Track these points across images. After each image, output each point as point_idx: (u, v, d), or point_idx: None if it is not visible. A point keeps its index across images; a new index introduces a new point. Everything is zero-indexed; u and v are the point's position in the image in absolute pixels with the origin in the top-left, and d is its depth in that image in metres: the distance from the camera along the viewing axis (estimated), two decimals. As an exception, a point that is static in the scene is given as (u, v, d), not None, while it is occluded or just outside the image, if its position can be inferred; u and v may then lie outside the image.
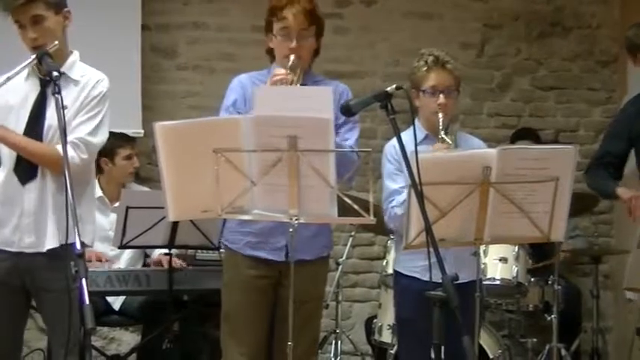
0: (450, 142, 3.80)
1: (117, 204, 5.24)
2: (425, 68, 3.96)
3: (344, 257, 5.84)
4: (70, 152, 3.48)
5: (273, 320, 3.94)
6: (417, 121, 4.00)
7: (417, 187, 3.14)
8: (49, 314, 3.75)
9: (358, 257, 6.69)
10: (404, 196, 3.69)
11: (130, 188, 5.61)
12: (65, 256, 3.34)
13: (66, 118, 3.33)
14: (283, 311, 3.85)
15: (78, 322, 2.98)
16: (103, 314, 5.40)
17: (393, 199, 3.87)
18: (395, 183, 3.88)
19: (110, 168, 5.54)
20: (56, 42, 3.66)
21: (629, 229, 5.08)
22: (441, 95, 3.91)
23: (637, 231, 4.59)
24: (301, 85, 3.75)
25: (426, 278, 3.25)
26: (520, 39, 6.84)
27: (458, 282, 3.11)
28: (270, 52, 3.95)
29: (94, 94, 3.73)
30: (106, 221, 5.41)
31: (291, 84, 3.67)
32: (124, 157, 5.58)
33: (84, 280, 2.87)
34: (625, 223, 5.96)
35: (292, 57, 3.79)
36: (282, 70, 3.74)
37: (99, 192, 5.48)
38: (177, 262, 5.15)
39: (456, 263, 3.78)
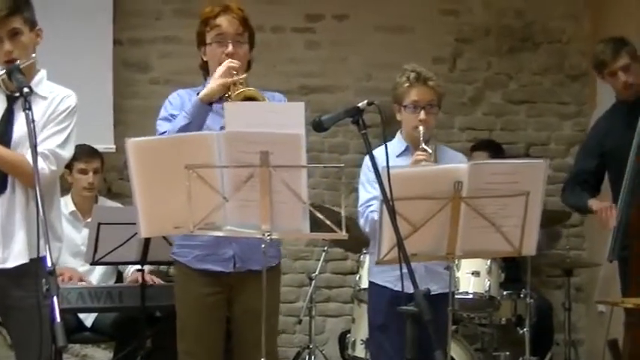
0: (430, 151, 3.85)
1: (89, 219, 5.21)
2: (407, 84, 4.01)
3: (317, 272, 5.84)
4: (40, 163, 3.44)
5: (228, 336, 3.95)
6: (399, 134, 4.08)
7: (388, 202, 3.15)
8: (19, 332, 3.70)
9: (331, 272, 6.69)
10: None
11: (102, 203, 5.57)
12: (35, 272, 3.32)
13: (35, 132, 3.31)
14: (238, 328, 3.86)
15: (49, 340, 2.96)
16: (75, 331, 5.35)
17: (371, 204, 3.91)
18: (374, 190, 3.91)
19: (71, 180, 5.49)
20: (33, 55, 3.65)
21: (601, 243, 5.12)
22: (422, 111, 3.97)
23: (608, 244, 4.63)
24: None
25: (398, 288, 3.28)
26: (491, 53, 6.88)
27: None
28: (204, 67, 3.95)
29: (62, 108, 3.71)
30: (79, 236, 5.38)
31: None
32: (78, 171, 5.50)
33: (55, 298, 2.85)
34: (596, 237, 6.01)
35: (421, 128, 3.92)
36: (422, 155, 3.83)
37: (71, 206, 5.44)
38: (150, 279, 5.13)
39: (427, 275, 3.82)
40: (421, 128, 3.91)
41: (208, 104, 3.75)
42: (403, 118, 4.04)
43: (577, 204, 5.01)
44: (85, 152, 5.36)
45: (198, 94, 3.83)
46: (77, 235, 5.38)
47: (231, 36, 3.87)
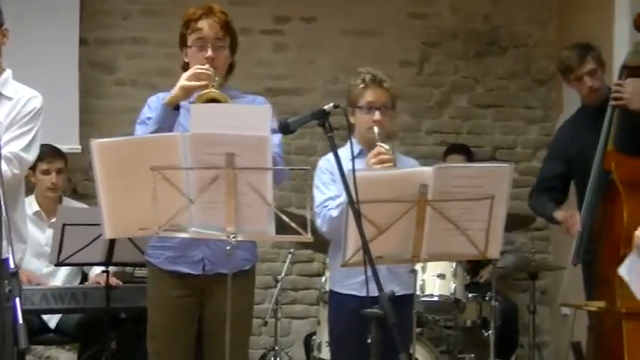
0: (388, 148, 3.84)
1: (54, 219, 5.17)
2: (362, 85, 4.00)
3: (283, 274, 5.85)
4: (3, 166, 3.41)
5: (200, 338, 3.94)
6: (352, 138, 4.04)
7: (354, 205, 3.16)
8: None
9: (297, 274, 6.69)
10: (339, 200, 3.74)
11: (66, 204, 5.53)
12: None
13: None
14: (210, 331, 3.86)
15: (11, 342, 2.93)
16: (39, 333, 5.31)
17: (327, 204, 3.90)
18: (329, 191, 3.91)
19: (35, 180, 5.46)
20: None
21: (565, 246, 5.16)
22: (377, 112, 3.96)
23: (572, 248, 4.67)
24: None
25: (363, 294, 3.28)
26: (458, 57, 6.92)
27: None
28: (185, 68, 3.95)
29: (27, 110, 3.69)
30: (43, 237, 5.34)
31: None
32: (41, 171, 5.46)
33: (17, 300, 2.83)
34: (561, 240, 6.05)
35: (376, 129, 3.87)
36: (383, 149, 3.79)
37: (35, 207, 5.40)
38: (113, 281, 5.10)
39: (390, 277, 3.82)
40: (376, 128, 3.90)
41: (175, 108, 3.73)
42: (357, 120, 4.01)
43: (543, 213, 5.05)
44: (48, 152, 5.31)
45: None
46: (41, 236, 5.34)
47: (211, 40, 3.85)
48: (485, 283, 5.88)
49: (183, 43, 3.93)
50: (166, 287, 3.89)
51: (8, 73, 3.77)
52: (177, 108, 3.74)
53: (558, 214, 4.81)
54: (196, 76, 3.71)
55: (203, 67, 3.74)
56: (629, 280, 2.81)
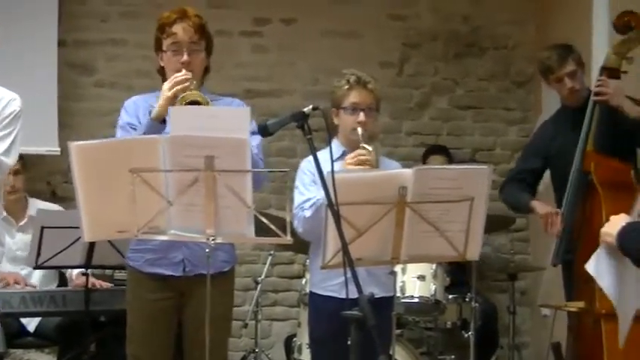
0: (371, 149, 3.84)
1: (22, 222, 5.15)
2: (346, 87, 4.01)
3: (263, 276, 5.84)
4: None
5: (179, 342, 3.93)
6: (335, 139, 4.06)
7: (333, 207, 3.15)
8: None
9: (278, 276, 6.68)
10: (314, 200, 3.74)
11: (32, 204, 5.49)
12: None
13: None
14: (189, 333, 3.85)
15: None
16: (17, 336, 5.30)
17: (303, 206, 3.91)
18: (309, 192, 3.91)
19: None
20: None
21: (545, 247, 5.18)
22: (362, 113, 3.96)
23: (552, 248, 4.68)
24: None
25: (343, 296, 3.28)
26: (438, 58, 6.92)
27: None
28: (161, 72, 3.94)
29: (6, 113, 3.67)
30: (12, 241, 5.32)
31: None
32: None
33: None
34: (541, 241, 6.07)
35: (360, 130, 3.88)
36: (364, 151, 3.79)
37: (2, 212, 5.37)
38: (96, 284, 5.09)
39: (369, 279, 3.82)
40: (360, 130, 3.91)
41: (162, 121, 3.72)
42: (341, 122, 4.02)
43: (517, 202, 5.04)
44: None
45: (154, 101, 3.82)
46: (11, 240, 5.32)
47: (186, 44, 3.84)
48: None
49: (158, 47, 3.92)
50: (146, 290, 3.89)
51: None
52: (163, 121, 3.72)
53: (538, 205, 4.81)
54: (176, 85, 3.70)
55: (180, 74, 3.73)
56: (596, 276, 2.84)
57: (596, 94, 4.63)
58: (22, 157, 5.52)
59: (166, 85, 3.74)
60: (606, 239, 2.78)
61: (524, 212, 5.26)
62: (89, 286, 4.95)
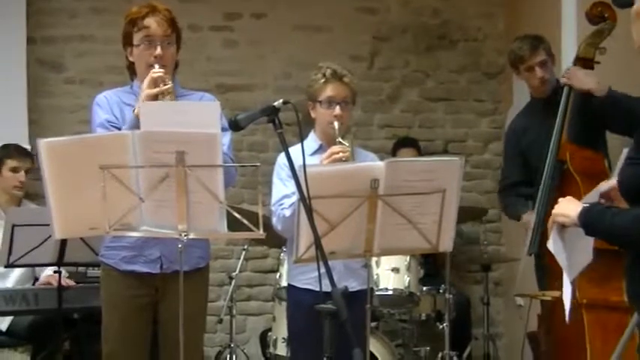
0: (347, 144, 3.86)
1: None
2: (322, 80, 4.02)
3: (237, 271, 5.83)
4: None
5: (155, 339, 3.91)
6: (312, 133, 4.08)
7: (305, 201, 3.15)
8: None
9: (252, 270, 6.68)
10: (293, 199, 3.73)
11: (25, 206, 5.48)
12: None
13: None
14: (165, 331, 3.83)
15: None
16: (-11, 335, 5.27)
17: (282, 203, 3.91)
18: (286, 188, 3.91)
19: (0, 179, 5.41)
20: None
21: (518, 238, 5.19)
22: (337, 107, 3.98)
23: (527, 239, 4.70)
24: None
25: (319, 289, 3.28)
26: (409, 51, 6.93)
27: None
28: (131, 68, 3.91)
29: None
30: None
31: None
32: (10, 169, 5.43)
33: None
34: (514, 232, 6.09)
35: (336, 123, 3.88)
36: (338, 148, 3.78)
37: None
38: (66, 283, 5.06)
39: (346, 272, 3.83)
40: (336, 123, 3.92)
41: None
42: (317, 115, 4.04)
43: (512, 214, 5.09)
44: (18, 151, 5.33)
45: (125, 96, 3.82)
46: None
47: (160, 38, 3.82)
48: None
49: (127, 42, 3.89)
50: (121, 288, 3.86)
51: None
52: None
53: (525, 218, 4.83)
54: (154, 82, 3.69)
55: (157, 70, 3.71)
56: (556, 253, 2.89)
57: (563, 77, 4.68)
58: (32, 158, 5.54)
59: (145, 82, 3.70)
60: (559, 219, 2.83)
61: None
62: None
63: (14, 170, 5.43)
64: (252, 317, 6.69)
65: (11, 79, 6.14)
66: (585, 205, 2.77)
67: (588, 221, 2.72)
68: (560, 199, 2.88)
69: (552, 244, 2.90)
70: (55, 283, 4.91)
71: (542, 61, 4.82)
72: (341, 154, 3.80)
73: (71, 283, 5.14)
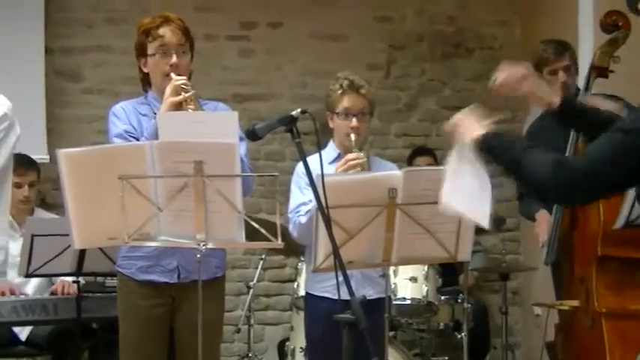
0: (362, 154, 3.86)
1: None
2: (340, 91, 4.02)
3: (255, 280, 5.83)
4: None
5: (172, 349, 3.91)
6: (331, 142, 4.09)
7: (323, 210, 3.15)
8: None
9: (270, 280, 6.68)
10: (310, 206, 3.73)
11: (38, 215, 5.49)
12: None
13: None
14: (182, 340, 3.83)
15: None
16: (9, 345, 5.28)
17: (299, 210, 3.92)
18: (303, 196, 3.92)
19: None
20: None
21: (536, 247, 5.17)
22: (354, 118, 3.98)
23: (543, 248, 4.68)
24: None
25: (336, 297, 3.27)
26: (425, 60, 6.93)
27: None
28: (145, 79, 3.93)
29: None
30: (15, 246, 5.29)
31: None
32: (13, 184, 5.40)
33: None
34: (532, 241, 6.06)
35: (353, 135, 3.89)
36: (353, 155, 3.80)
37: (8, 216, 5.36)
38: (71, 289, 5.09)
39: (364, 280, 3.83)
40: (353, 135, 3.93)
41: None
42: (335, 126, 4.05)
43: (528, 214, 5.07)
44: (20, 164, 5.25)
45: (141, 107, 3.83)
46: (14, 246, 5.29)
47: (175, 46, 3.83)
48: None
49: (141, 53, 3.90)
50: (138, 298, 3.86)
51: None
52: None
53: (538, 217, 4.81)
54: (176, 90, 3.69)
55: (179, 77, 3.72)
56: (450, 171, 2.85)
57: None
58: (38, 168, 5.54)
59: (168, 90, 3.69)
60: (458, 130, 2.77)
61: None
62: (59, 291, 5.03)
63: (17, 186, 5.36)
64: (270, 327, 6.69)
65: (29, 89, 6.17)
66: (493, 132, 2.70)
67: (491, 143, 2.66)
68: (457, 115, 2.82)
69: (452, 161, 2.84)
70: (67, 290, 4.93)
71: (566, 65, 4.80)
72: (356, 162, 3.80)
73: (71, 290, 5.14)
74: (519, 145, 2.63)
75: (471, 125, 2.77)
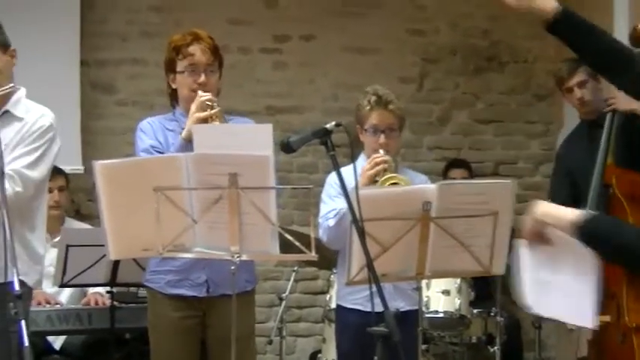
0: (388, 157, 3.88)
1: (57, 239, 5.17)
2: (368, 107, 4.02)
3: (287, 292, 5.83)
4: (5, 184, 3.39)
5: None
6: (362, 154, 4.10)
7: (357, 223, 3.15)
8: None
9: (302, 292, 6.68)
10: (338, 210, 3.78)
11: (69, 224, 5.53)
12: (3, 296, 3.28)
13: (3, 155, 3.26)
14: (213, 352, 3.84)
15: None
16: (44, 354, 5.30)
17: (328, 216, 3.94)
18: (334, 203, 3.93)
19: None
20: (11, 85, 3.61)
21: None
22: (382, 135, 3.98)
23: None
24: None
25: (369, 309, 3.26)
26: (458, 73, 6.93)
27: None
28: (173, 95, 3.95)
29: (35, 128, 3.67)
30: (47, 256, 5.32)
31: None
32: None
33: (23, 322, 2.82)
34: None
35: (382, 151, 3.93)
36: (379, 156, 3.85)
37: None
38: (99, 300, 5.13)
39: (396, 292, 3.83)
40: (381, 151, 3.93)
41: (189, 141, 3.73)
42: (365, 140, 4.07)
43: None
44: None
45: (169, 124, 3.87)
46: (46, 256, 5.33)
47: (204, 66, 3.87)
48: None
49: (170, 69, 3.93)
50: (168, 310, 3.88)
51: (22, 92, 3.74)
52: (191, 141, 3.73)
53: None
54: (202, 105, 3.72)
55: (205, 94, 3.75)
56: (520, 269, 2.80)
57: (608, 105, 4.64)
58: (65, 175, 5.58)
59: (194, 106, 3.74)
60: (546, 220, 2.71)
61: None
62: (92, 304, 5.06)
63: (47, 191, 5.42)
64: (302, 338, 6.69)
65: (65, 101, 6.21)
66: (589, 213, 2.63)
67: (593, 229, 2.56)
68: (538, 201, 2.75)
69: (520, 257, 2.79)
70: (100, 303, 4.99)
71: (580, 81, 4.79)
72: (381, 159, 3.81)
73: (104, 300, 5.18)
74: (625, 225, 2.47)
75: (552, 208, 2.68)
